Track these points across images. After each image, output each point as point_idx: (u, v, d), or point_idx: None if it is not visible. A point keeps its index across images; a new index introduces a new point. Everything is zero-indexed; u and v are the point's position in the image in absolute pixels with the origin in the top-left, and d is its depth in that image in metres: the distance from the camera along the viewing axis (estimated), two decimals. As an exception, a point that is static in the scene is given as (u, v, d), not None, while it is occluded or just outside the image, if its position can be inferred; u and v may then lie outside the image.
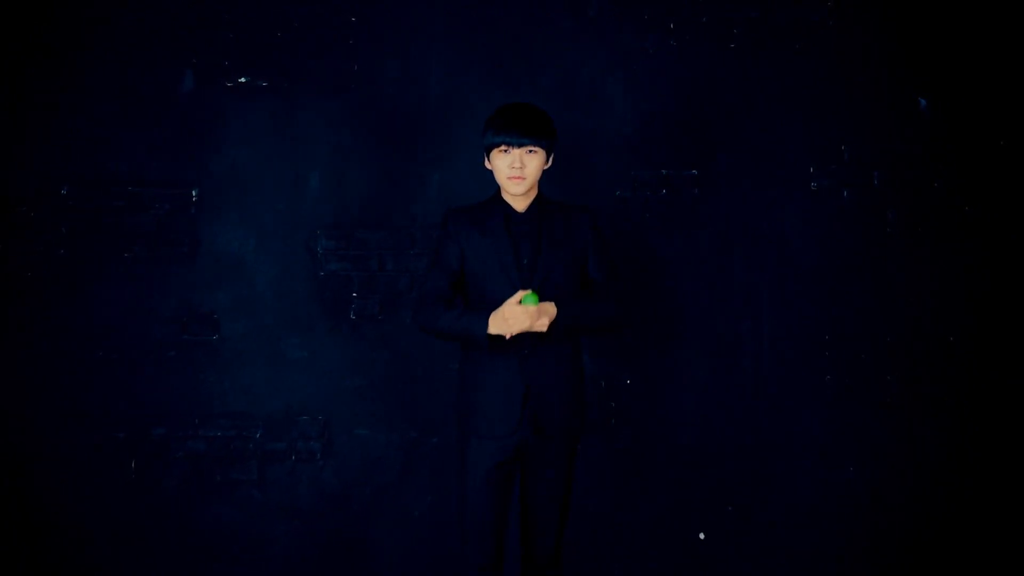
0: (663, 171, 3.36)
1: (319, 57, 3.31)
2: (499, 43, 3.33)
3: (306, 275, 3.33)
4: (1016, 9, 3.32)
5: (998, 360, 3.36)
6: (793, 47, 3.36)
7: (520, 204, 2.58)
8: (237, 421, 3.33)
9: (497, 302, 2.47)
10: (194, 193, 3.31)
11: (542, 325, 2.42)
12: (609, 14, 3.33)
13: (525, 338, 2.49)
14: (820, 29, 3.35)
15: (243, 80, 3.31)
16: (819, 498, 3.39)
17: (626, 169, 3.34)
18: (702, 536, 3.37)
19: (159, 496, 3.32)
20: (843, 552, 3.38)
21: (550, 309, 2.45)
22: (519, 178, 2.47)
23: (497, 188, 2.60)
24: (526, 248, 2.52)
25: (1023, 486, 3.36)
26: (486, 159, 2.54)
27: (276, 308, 3.33)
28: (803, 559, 3.37)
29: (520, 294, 2.43)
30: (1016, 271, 3.35)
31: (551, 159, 2.58)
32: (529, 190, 2.57)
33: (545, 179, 2.68)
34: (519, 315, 2.39)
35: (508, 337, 2.44)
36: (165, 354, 3.31)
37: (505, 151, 2.46)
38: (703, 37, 3.34)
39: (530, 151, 2.48)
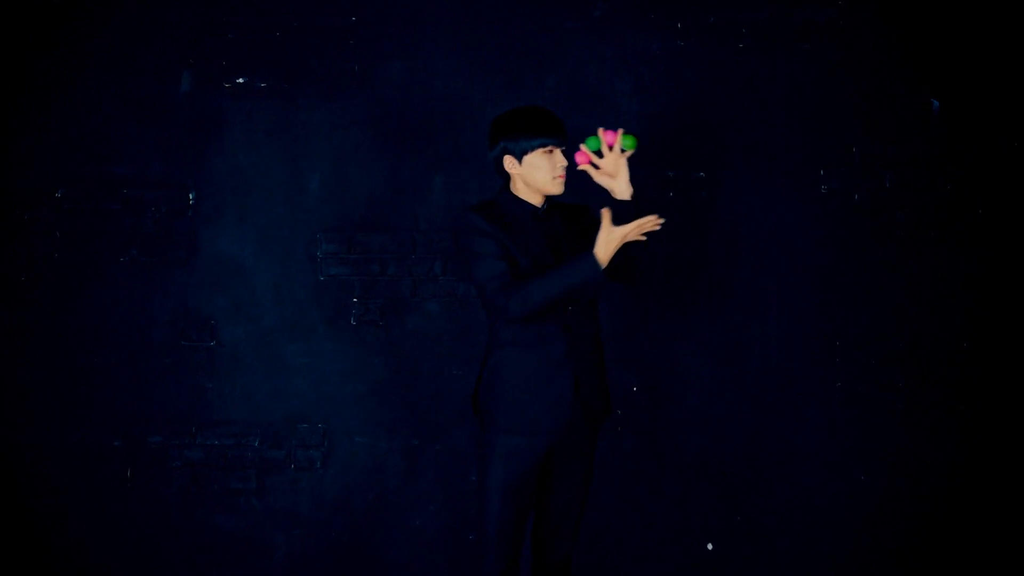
0: (669, 173, 3.34)
1: (319, 58, 3.30)
2: (504, 44, 3.32)
3: (306, 279, 3.32)
4: (1031, 8, 3.34)
5: (1013, 367, 3.33)
6: (802, 47, 3.34)
7: (538, 201, 2.55)
8: (235, 429, 3.32)
9: None
10: (192, 196, 3.30)
11: (612, 183, 2.40)
12: (615, 15, 3.31)
13: (574, 316, 2.46)
14: (830, 29, 3.32)
15: (242, 81, 3.30)
16: (829, 506, 3.37)
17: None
18: (710, 547, 3.36)
19: (156, 505, 3.31)
20: (854, 561, 3.35)
21: (623, 172, 2.42)
22: (563, 176, 2.47)
23: (501, 187, 2.56)
24: (554, 242, 2.50)
25: (1040, 496, 3.38)
26: (513, 160, 2.47)
27: (275, 313, 3.31)
28: (813, 569, 3.35)
29: (612, 136, 2.36)
30: (1031, 276, 3.33)
31: None
32: None
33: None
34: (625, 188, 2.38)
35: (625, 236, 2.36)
36: (162, 360, 3.30)
37: (551, 151, 2.45)
38: (710, 38, 3.32)
39: (564, 150, 2.50)
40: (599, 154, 2.41)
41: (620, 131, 2.40)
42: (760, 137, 3.33)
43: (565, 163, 2.47)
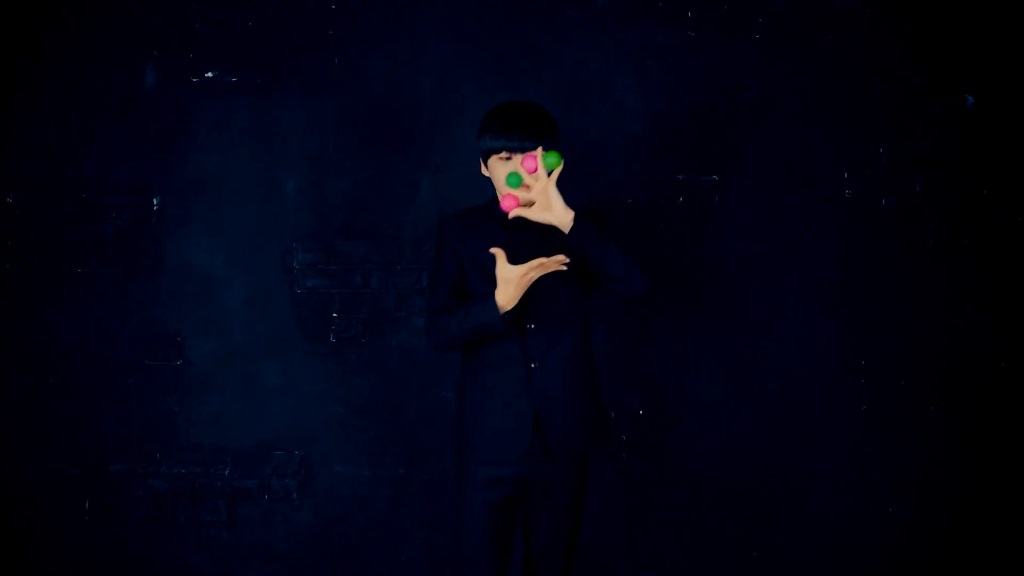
0: (679, 176, 3.31)
1: (297, 50, 3.25)
2: (498, 36, 3.28)
3: (281, 292, 3.27)
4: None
5: (1054, 389, 3.31)
6: (824, 39, 3.29)
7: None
8: (204, 456, 3.27)
9: None
10: (156, 201, 3.25)
11: (548, 215, 2.26)
12: (619, 4, 3.28)
13: (535, 342, 2.40)
14: (854, 19, 3.28)
15: (211, 75, 3.24)
16: (853, 539, 3.33)
17: (638, 175, 3.29)
18: (723, 582, 3.32)
19: (118, 539, 3.24)
20: (880, 601, 3.32)
21: (553, 197, 2.27)
22: (524, 186, 2.34)
23: (493, 193, 2.51)
24: (524, 255, 2.40)
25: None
26: (483, 165, 2.44)
27: (248, 329, 3.26)
28: (835, 608, 3.33)
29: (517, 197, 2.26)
30: (1074, 289, 3.31)
31: None
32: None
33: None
34: (514, 275, 2.26)
35: (517, 306, 2.32)
36: (124, 381, 3.24)
37: (506, 158, 2.35)
38: (723, 28, 3.29)
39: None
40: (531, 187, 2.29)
41: (539, 151, 2.28)
42: (777, 137, 3.30)
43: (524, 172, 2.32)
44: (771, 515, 3.31)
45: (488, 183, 2.52)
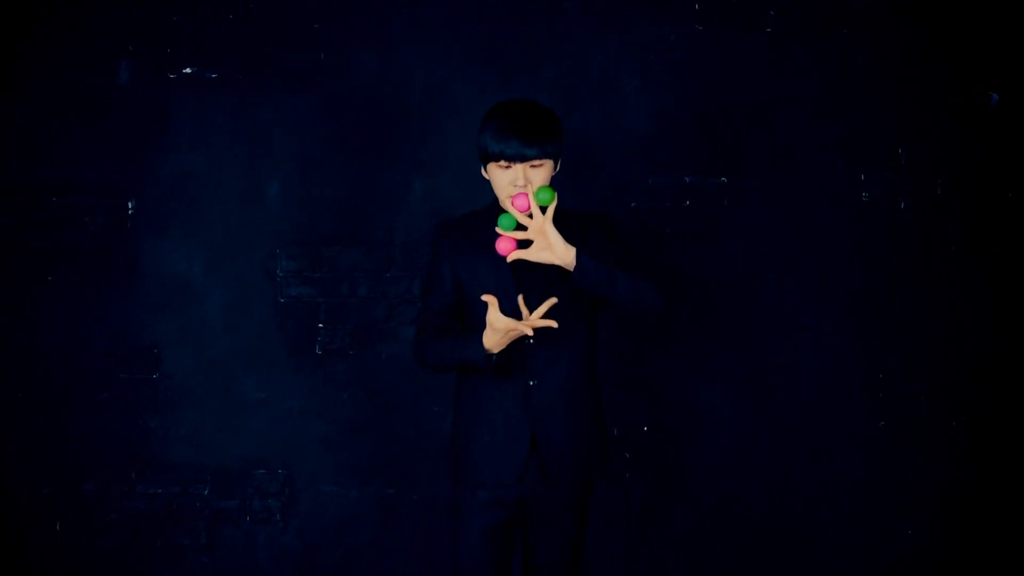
0: (686, 178, 3.29)
1: (280, 45, 3.23)
2: (494, 29, 3.27)
3: (264, 301, 3.26)
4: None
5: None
6: (839, 33, 3.27)
7: None
8: (182, 475, 3.25)
9: None
10: (131, 204, 3.24)
11: (549, 255, 2.23)
12: None
13: (534, 358, 2.37)
14: (871, 12, 3.25)
15: (189, 71, 3.23)
16: (871, 565, 3.30)
17: (642, 176, 3.27)
18: (732, 609, 3.30)
19: (91, 563, 3.23)
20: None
21: (552, 236, 2.22)
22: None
23: (495, 196, 2.45)
24: (525, 272, 2.37)
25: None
26: (482, 169, 2.38)
27: (228, 341, 3.25)
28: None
29: (507, 240, 2.23)
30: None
31: (559, 165, 2.42)
32: None
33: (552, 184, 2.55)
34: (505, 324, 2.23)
35: (509, 346, 2.30)
36: (97, 395, 3.23)
37: (505, 166, 2.30)
38: (732, 22, 3.27)
39: (534, 165, 2.30)
40: (525, 227, 2.25)
41: (527, 188, 2.25)
42: (790, 137, 3.30)
43: (523, 182, 2.28)
44: (784, 539, 3.30)
45: (487, 185, 2.46)
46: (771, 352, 3.29)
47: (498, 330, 2.22)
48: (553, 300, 2.23)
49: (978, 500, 3.27)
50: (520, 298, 2.25)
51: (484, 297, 2.22)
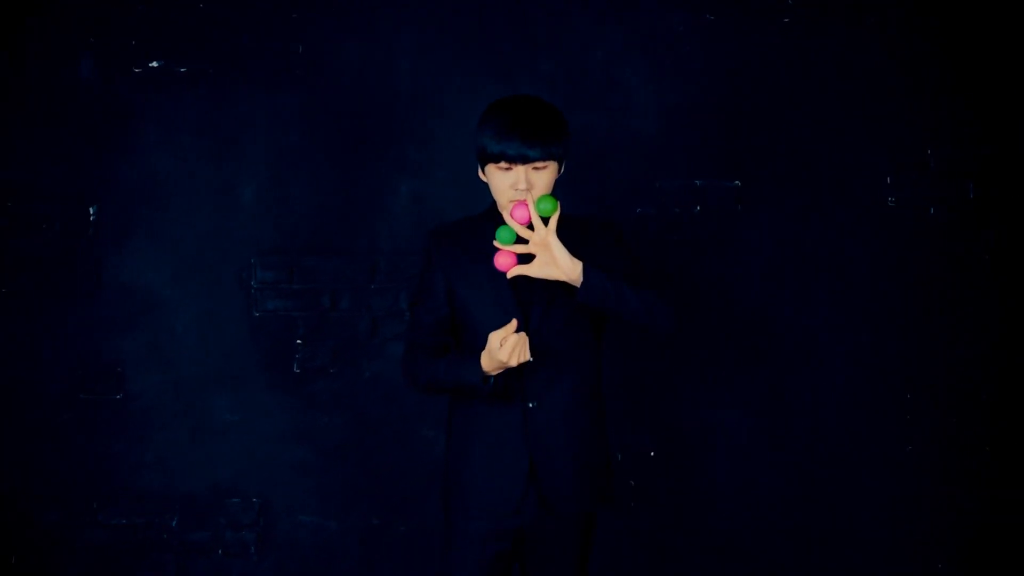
0: (696, 182, 3.25)
1: (255, 37, 3.20)
2: (488, 19, 3.24)
3: (238, 315, 3.22)
4: None
5: None
6: (864, 22, 3.21)
7: None
8: (149, 504, 3.20)
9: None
10: (93, 210, 3.20)
11: (554, 271, 2.18)
12: None
13: (534, 378, 2.31)
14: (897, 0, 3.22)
15: (156, 65, 3.19)
16: None
17: (649, 179, 3.25)
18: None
19: None
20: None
21: (556, 250, 2.17)
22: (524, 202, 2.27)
23: (493, 200, 2.41)
24: (528, 278, 2.30)
25: None
26: (480, 170, 2.32)
27: (199, 358, 3.22)
28: None
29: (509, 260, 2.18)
30: None
31: (563, 167, 2.35)
32: None
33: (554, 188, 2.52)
34: (508, 347, 2.19)
35: (513, 366, 2.24)
36: (56, 418, 3.18)
37: (505, 168, 2.24)
38: (747, 11, 3.23)
39: (537, 167, 2.24)
40: (526, 240, 2.21)
41: (527, 198, 2.19)
42: (809, 136, 3.26)
43: (525, 186, 2.24)
44: (797, 568, 3.24)
45: (482, 189, 2.37)
46: (789, 372, 3.26)
47: (494, 357, 2.21)
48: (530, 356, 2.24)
49: (1017, 535, 3.19)
50: (513, 322, 2.19)
51: (499, 334, 2.20)
